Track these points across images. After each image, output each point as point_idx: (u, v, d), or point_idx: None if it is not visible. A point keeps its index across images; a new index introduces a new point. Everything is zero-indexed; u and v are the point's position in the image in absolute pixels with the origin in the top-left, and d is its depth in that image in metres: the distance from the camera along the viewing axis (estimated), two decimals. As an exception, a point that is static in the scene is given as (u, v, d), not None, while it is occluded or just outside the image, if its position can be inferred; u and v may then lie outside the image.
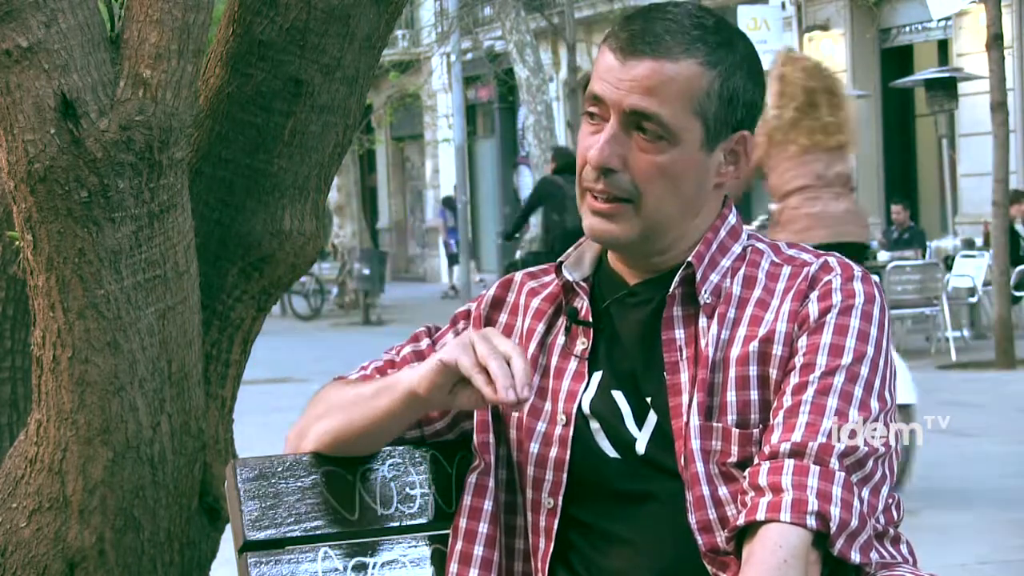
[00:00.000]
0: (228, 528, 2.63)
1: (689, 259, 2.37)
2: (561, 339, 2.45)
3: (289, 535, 2.46)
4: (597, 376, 2.41)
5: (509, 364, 2.24)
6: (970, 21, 21.00)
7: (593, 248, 2.49)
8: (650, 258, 2.41)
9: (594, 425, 2.39)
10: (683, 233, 2.39)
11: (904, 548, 2.41)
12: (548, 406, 2.43)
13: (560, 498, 2.39)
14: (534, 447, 2.42)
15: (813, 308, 2.33)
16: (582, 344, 2.43)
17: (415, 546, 2.53)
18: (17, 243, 2.96)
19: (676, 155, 2.33)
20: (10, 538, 2.95)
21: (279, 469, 2.48)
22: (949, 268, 17.22)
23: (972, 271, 17.20)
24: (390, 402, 2.40)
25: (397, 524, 2.53)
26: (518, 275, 2.57)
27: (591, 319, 2.43)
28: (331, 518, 2.49)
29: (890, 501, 2.38)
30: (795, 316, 2.33)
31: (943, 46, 23.33)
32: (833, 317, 2.31)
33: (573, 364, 2.43)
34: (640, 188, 2.34)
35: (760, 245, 2.44)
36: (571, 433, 2.40)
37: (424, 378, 2.34)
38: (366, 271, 24.99)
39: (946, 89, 18.40)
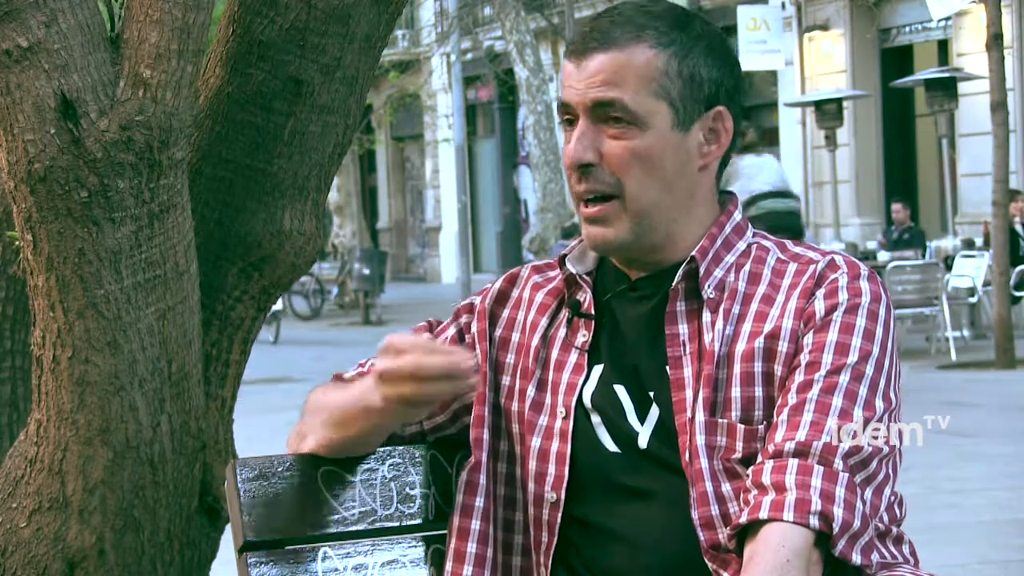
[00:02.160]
0: (228, 528, 2.63)
1: (692, 254, 2.37)
2: (563, 332, 2.46)
3: (289, 535, 2.46)
4: (598, 369, 2.41)
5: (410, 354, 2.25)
6: (970, 21, 21.00)
7: None
8: (650, 256, 2.41)
9: (595, 419, 2.40)
10: (678, 225, 2.39)
11: (906, 548, 2.40)
12: (549, 399, 2.43)
13: (563, 492, 2.39)
14: (536, 441, 2.42)
15: (819, 306, 2.33)
16: (583, 336, 2.43)
17: (415, 546, 2.53)
18: (17, 243, 2.96)
19: (648, 139, 2.35)
20: (10, 538, 2.95)
21: (279, 469, 2.48)
22: (949, 268, 17.22)
23: (972, 271, 17.20)
24: (364, 421, 2.41)
25: (397, 524, 2.53)
26: (524, 269, 2.57)
27: (593, 312, 2.43)
28: (331, 518, 2.48)
29: (892, 499, 2.38)
30: (801, 313, 2.33)
31: (943, 46, 23.33)
32: (839, 315, 2.32)
33: (573, 356, 2.43)
34: (619, 178, 2.35)
35: (766, 242, 2.44)
36: (571, 426, 2.40)
37: (384, 415, 2.35)
38: (366, 271, 24.99)
39: (946, 89, 18.40)
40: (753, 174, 13.37)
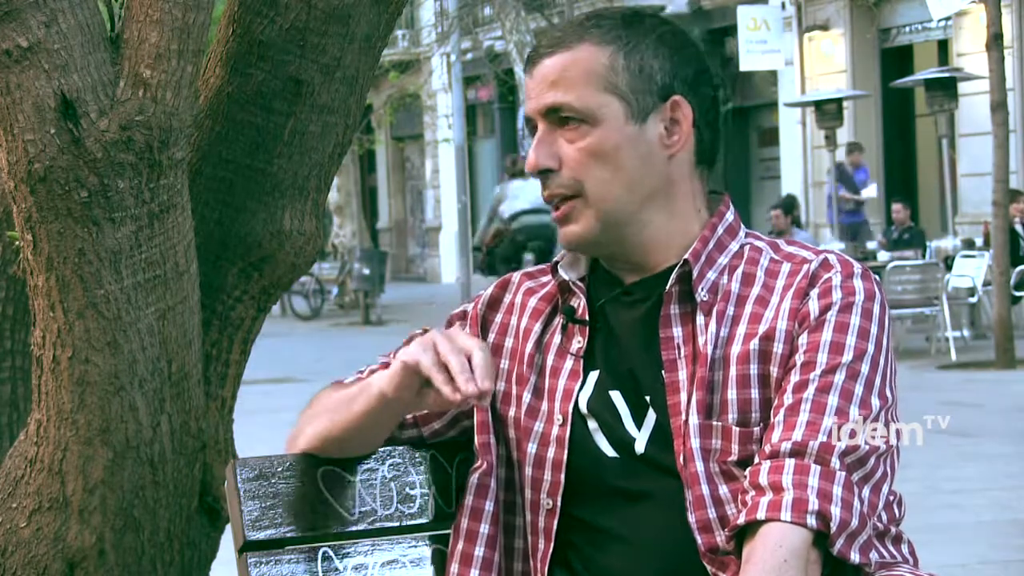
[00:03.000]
0: (228, 528, 2.63)
1: (685, 256, 2.37)
2: (557, 338, 2.45)
3: (289, 535, 2.46)
4: (594, 375, 2.41)
5: (470, 360, 2.24)
6: (970, 21, 20.99)
7: None
8: (636, 255, 2.40)
9: (592, 424, 2.39)
10: (659, 222, 2.39)
11: (905, 548, 2.40)
12: (545, 405, 2.43)
13: (559, 498, 2.39)
14: (532, 447, 2.42)
15: (813, 306, 2.32)
16: (578, 343, 2.43)
17: (415, 546, 2.53)
18: (17, 243, 2.96)
19: (600, 134, 2.36)
20: (10, 538, 2.95)
21: (279, 469, 2.48)
22: (949, 268, 17.22)
23: (972, 271, 17.19)
24: (366, 406, 2.40)
25: (397, 524, 2.53)
26: (516, 275, 2.57)
27: (587, 318, 2.43)
28: (331, 518, 2.49)
29: (891, 499, 2.38)
30: (795, 314, 2.33)
31: (943, 46, 23.32)
32: (833, 315, 2.31)
33: (569, 363, 2.43)
34: (578, 178, 2.37)
35: (759, 243, 2.43)
36: (568, 433, 2.39)
37: (391, 380, 2.34)
38: (366, 271, 24.97)
39: (946, 89, 18.39)
40: (518, 195, 17.13)
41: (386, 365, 2.54)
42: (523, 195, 19.36)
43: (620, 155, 2.36)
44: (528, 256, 19.82)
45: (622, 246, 2.40)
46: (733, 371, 2.32)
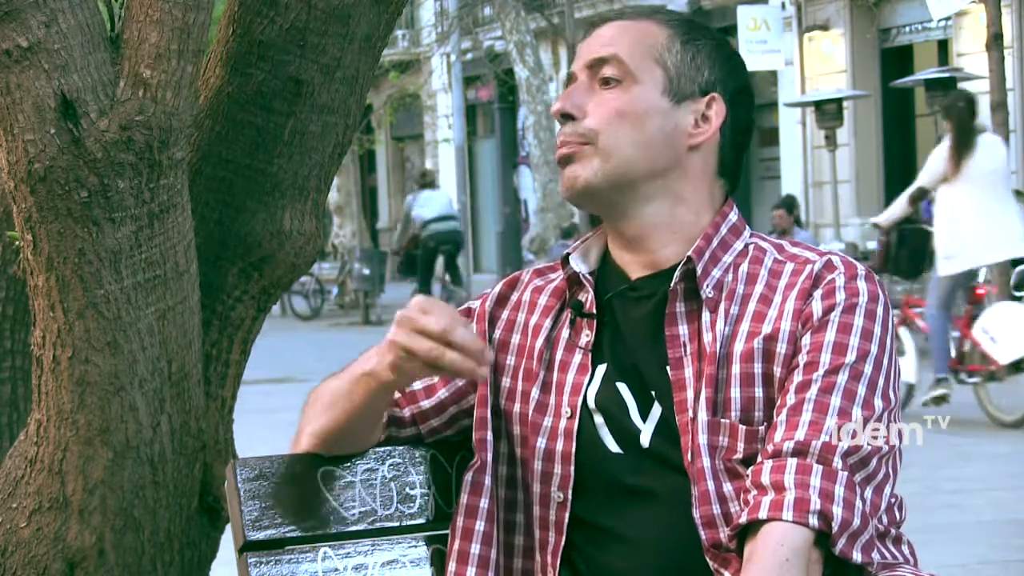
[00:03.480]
0: (228, 528, 2.63)
1: (689, 254, 2.37)
2: (566, 332, 2.46)
3: (289, 535, 2.46)
4: (601, 369, 2.42)
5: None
6: (970, 21, 20.99)
7: (599, 242, 2.50)
8: (627, 222, 2.41)
9: (598, 420, 2.40)
10: (666, 203, 2.41)
11: (905, 548, 2.41)
12: (553, 399, 2.43)
13: (569, 491, 2.40)
14: (540, 442, 2.43)
15: (817, 306, 2.33)
16: (586, 336, 2.44)
17: (415, 546, 2.53)
18: (17, 243, 2.96)
19: (635, 95, 2.40)
20: (10, 538, 2.95)
21: (279, 469, 2.48)
22: (949, 268, 17.19)
23: (972, 271, 17.16)
24: (356, 390, 2.40)
25: (397, 524, 2.53)
26: (525, 273, 2.58)
27: (595, 311, 2.44)
28: (331, 518, 2.49)
29: (892, 501, 2.38)
30: (799, 314, 2.33)
31: (943, 46, 23.32)
32: (837, 315, 2.32)
33: (578, 357, 2.44)
34: (597, 129, 2.39)
35: (763, 243, 2.44)
36: (576, 426, 2.40)
37: (382, 362, 2.33)
38: (366, 271, 24.97)
39: (946, 89, 18.36)
40: (426, 204, 19.40)
41: None
42: (431, 204, 22.30)
43: (646, 121, 2.39)
44: (440, 258, 22.46)
45: (617, 209, 2.40)
46: (737, 369, 2.33)
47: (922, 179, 11.15)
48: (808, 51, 25.06)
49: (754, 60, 24.41)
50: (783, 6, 25.06)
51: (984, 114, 12.36)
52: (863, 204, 24.39)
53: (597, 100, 2.40)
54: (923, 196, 11.37)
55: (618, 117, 2.38)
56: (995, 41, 14.88)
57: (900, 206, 11.46)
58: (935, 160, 10.99)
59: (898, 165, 24.60)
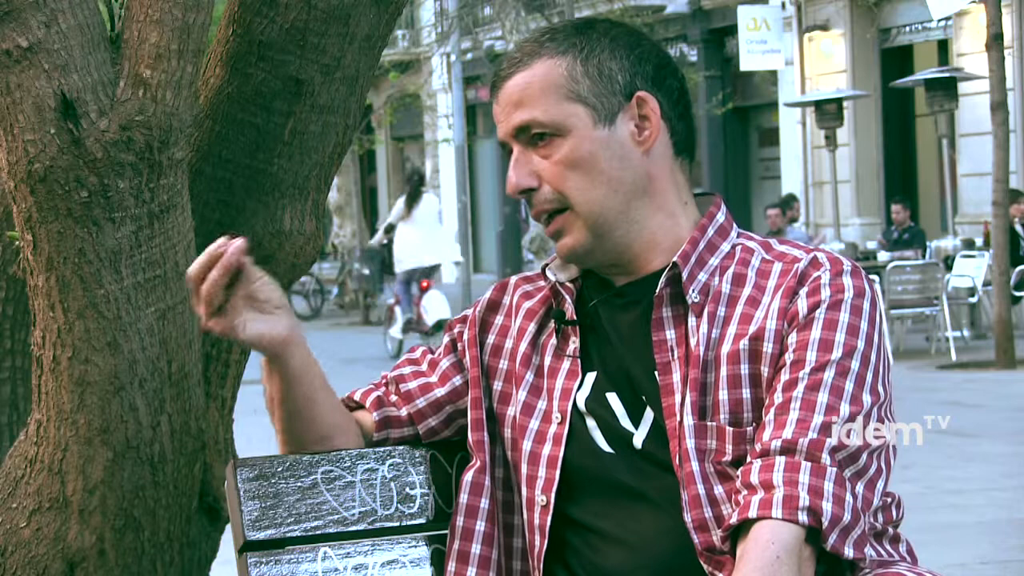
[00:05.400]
0: (228, 528, 2.63)
1: (675, 259, 2.37)
2: (554, 340, 2.47)
3: (289, 535, 2.46)
4: (591, 377, 2.42)
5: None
6: (970, 21, 20.99)
7: None
8: (626, 257, 2.41)
9: (590, 422, 2.40)
10: (646, 221, 2.40)
11: (903, 547, 2.40)
12: (543, 404, 2.44)
13: (552, 495, 2.40)
14: (527, 445, 2.43)
15: (802, 304, 2.33)
16: (573, 343, 2.44)
17: (415, 546, 2.53)
18: (17, 243, 2.96)
19: (573, 143, 2.38)
20: (10, 538, 2.95)
21: (279, 469, 2.48)
22: (949, 268, 17.22)
23: (972, 271, 17.20)
24: (267, 382, 2.49)
25: (397, 524, 2.53)
26: (513, 279, 2.59)
27: (576, 318, 2.44)
28: (331, 518, 2.49)
29: (889, 500, 2.38)
30: (784, 313, 2.33)
31: (943, 46, 23.33)
32: (822, 312, 2.31)
33: (566, 363, 2.44)
34: (560, 190, 2.39)
35: (750, 243, 2.44)
36: (565, 431, 2.40)
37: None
38: (366, 271, 24.97)
39: (946, 89, 18.40)
40: (404, 244, 19.41)
41: (386, 376, 2.58)
42: (407, 246, 21.26)
43: (596, 160, 2.38)
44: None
45: (616, 251, 2.41)
46: (724, 371, 2.33)
47: (391, 217, 19.48)
48: (808, 51, 25.06)
49: (754, 60, 24.45)
50: (783, 6, 25.07)
51: (984, 114, 12.34)
52: (863, 204, 24.40)
53: (541, 162, 2.39)
54: (392, 229, 19.30)
55: (569, 170, 2.38)
56: (995, 41, 14.89)
57: (379, 234, 20.24)
58: (396, 206, 19.14)
59: (898, 165, 24.62)
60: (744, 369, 2.32)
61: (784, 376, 2.29)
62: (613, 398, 2.39)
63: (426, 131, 34.15)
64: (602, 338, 2.43)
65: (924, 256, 18.40)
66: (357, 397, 2.58)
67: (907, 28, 23.95)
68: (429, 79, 31.82)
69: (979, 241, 18.50)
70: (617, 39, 2.42)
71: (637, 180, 2.39)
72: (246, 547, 2.44)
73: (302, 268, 3.17)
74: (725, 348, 2.33)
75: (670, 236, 2.41)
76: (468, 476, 2.48)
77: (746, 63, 24.62)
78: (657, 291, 2.37)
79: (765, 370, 2.32)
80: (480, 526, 2.46)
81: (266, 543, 2.45)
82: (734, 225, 2.45)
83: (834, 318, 2.31)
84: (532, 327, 2.49)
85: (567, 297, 2.45)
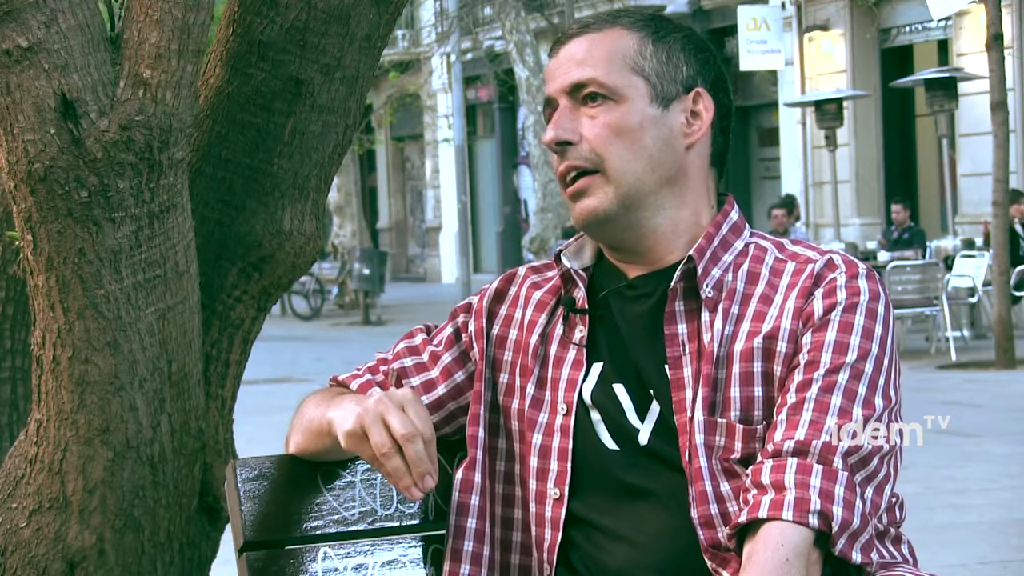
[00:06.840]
0: (228, 528, 2.63)
1: (690, 253, 2.37)
2: (560, 328, 2.46)
3: (289, 535, 2.46)
4: (597, 367, 2.42)
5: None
6: (970, 21, 20.99)
7: (593, 241, 2.50)
8: (643, 243, 2.41)
9: (595, 416, 2.40)
10: (669, 210, 2.40)
11: (905, 548, 2.40)
12: (549, 396, 2.43)
13: (566, 488, 2.39)
14: (537, 437, 2.43)
15: (818, 305, 2.33)
16: (580, 332, 2.44)
17: (415, 546, 2.53)
18: (17, 243, 2.96)
19: (625, 111, 2.38)
20: (10, 538, 2.95)
21: (279, 469, 2.48)
22: (949, 268, 17.22)
23: (972, 271, 17.20)
24: (323, 432, 2.41)
25: (397, 524, 2.53)
26: (521, 269, 2.58)
27: (587, 307, 2.44)
28: (331, 518, 2.49)
29: (893, 501, 2.38)
30: (800, 313, 2.33)
31: (943, 46, 23.32)
32: (838, 315, 2.32)
33: (572, 352, 2.44)
34: (599, 153, 2.38)
35: (763, 242, 2.44)
36: (572, 422, 2.40)
37: (341, 430, 2.33)
38: (366, 271, 24.98)
39: (946, 89, 18.40)
40: None
41: (384, 360, 2.55)
42: None
43: (643, 134, 2.38)
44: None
45: (634, 230, 2.40)
46: (736, 368, 2.33)
47: None
48: (808, 51, 25.06)
49: (754, 60, 24.45)
50: (783, 6, 25.06)
51: (984, 114, 12.36)
52: (863, 204, 24.40)
53: (588, 121, 2.39)
54: None
55: (615, 135, 2.37)
56: (995, 41, 14.89)
57: None
58: None
59: (898, 165, 24.61)
60: (757, 367, 2.32)
61: (798, 376, 2.29)
62: (620, 390, 2.39)
63: (426, 131, 34.16)
64: (611, 329, 2.43)
65: (924, 256, 18.40)
66: (354, 387, 2.53)
67: (907, 28, 23.95)
68: (429, 79, 31.83)
69: (979, 241, 18.49)
70: (690, 37, 2.45)
71: (674, 169, 2.40)
72: (246, 547, 2.44)
73: (302, 268, 3.17)
74: (738, 345, 2.33)
75: (690, 233, 2.41)
76: (459, 473, 2.48)
77: (746, 63, 24.61)
78: (672, 284, 2.37)
79: (778, 369, 2.32)
80: (472, 523, 2.46)
81: (266, 543, 2.45)
82: (747, 224, 2.46)
83: (850, 321, 2.31)
84: (542, 318, 2.48)
85: (580, 284, 2.45)
